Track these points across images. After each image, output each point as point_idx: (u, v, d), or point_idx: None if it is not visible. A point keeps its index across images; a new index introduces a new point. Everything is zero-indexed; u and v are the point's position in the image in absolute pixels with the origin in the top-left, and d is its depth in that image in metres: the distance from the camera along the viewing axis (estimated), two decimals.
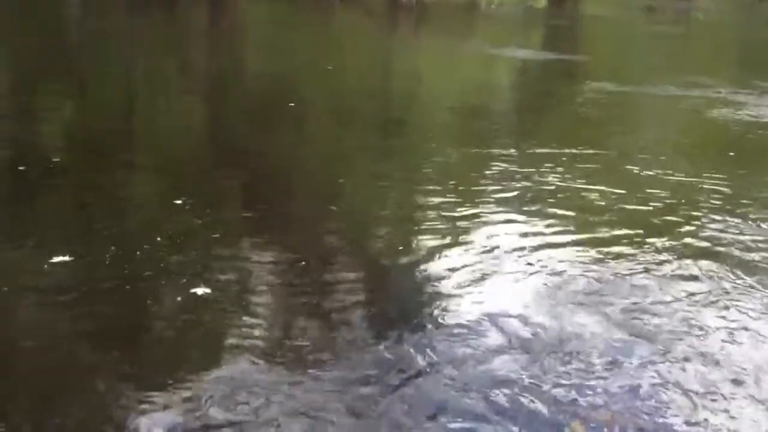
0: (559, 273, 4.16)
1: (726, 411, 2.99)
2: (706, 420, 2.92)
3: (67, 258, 3.86)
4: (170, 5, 20.10)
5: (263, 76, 10.76)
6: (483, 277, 4.08)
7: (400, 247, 4.55)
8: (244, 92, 9.81)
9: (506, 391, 3.03)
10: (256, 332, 3.37)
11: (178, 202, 4.83)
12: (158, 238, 4.22)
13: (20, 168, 5.34)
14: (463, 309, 3.72)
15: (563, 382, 3.12)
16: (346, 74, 11.39)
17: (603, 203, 5.45)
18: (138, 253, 4.02)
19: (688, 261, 4.40)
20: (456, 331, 3.50)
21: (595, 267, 4.28)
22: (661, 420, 2.92)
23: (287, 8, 21.76)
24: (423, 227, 4.84)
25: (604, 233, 4.88)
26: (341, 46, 15.42)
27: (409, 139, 7.50)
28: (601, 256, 4.44)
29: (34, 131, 6.80)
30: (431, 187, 5.65)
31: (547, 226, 4.91)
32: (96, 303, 3.51)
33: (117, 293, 3.61)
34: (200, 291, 3.65)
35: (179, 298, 3.60)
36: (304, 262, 4.14)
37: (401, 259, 4.35)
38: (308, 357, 3.18)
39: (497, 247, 4.51)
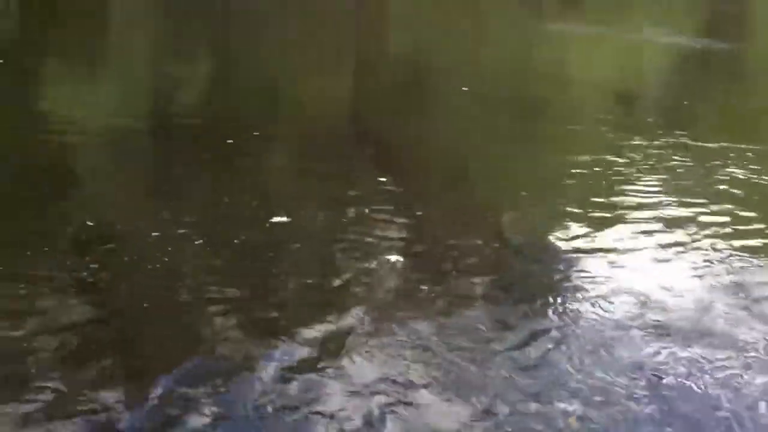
0: (721, 264, 4.37)
1: None
2: None
3: (285, 219, 4.54)
4: None
5: (410, 57, 11.27)
6: (632, 260, 4.34)
7: (546, 225, 4.88)
8: (392, 72, 10.29)
9: (631, 375, 3.15)
10: (402, 289, 3.83)
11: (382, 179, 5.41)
12: (359, 209, 4.81)
13: (228, 141, 6.06)
14: (604, 289, 3.94)
15: (696, 368, 3.24)
16: (495, 58, 11.73)
17: None
18: (344, 220, 4.65)
19: None
20: (591, 309, 3.71)
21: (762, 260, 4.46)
22: None
23: None
24: (571, 208, 5.14)
25: None
26: (488, 28, 15.73)
27: (561, 124, 7.72)
28: None
29: (214, 105, 7.67)
30: (584, 172, 5.95)
31: (717, 216, 5.13)
32: (303, 258, 4.11)
33: (324, 252, 4.22)
34: (393, 258, 4.17)
35: (374, 263, 4.14)
36: (437, 236, 4.53)
37: (546, 235, 4.67)
38: (438, 318, 3.52)
39: (651, 232, 4.78)
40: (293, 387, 2.94)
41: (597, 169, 6.08)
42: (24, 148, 5.67)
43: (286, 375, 3.00)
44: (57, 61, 9.03)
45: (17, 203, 4.55)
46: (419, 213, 4.88)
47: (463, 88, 8.67)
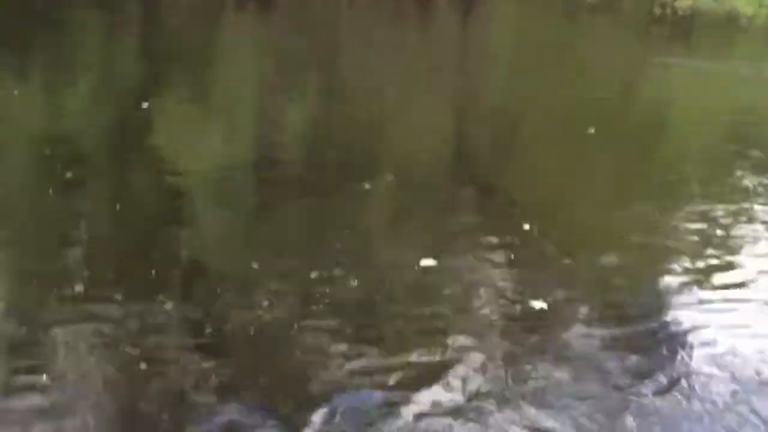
0: None
1: None
2: None
3: (433, 263, 4.91)
4: (425, 15, 21.58)
5: (524, 97, 11.51)
6: (747, 315, 4.49)
7: (672, 275, 5.07)
8: (508, 113, 10.59)
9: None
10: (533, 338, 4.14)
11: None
12: (499, 253, 5.19)
13: (366, 187, 6.36)
14: (732, 343, 4.08)
15: None
16: (612, 96, 11.88)
17: None
18: (488, 266, 5.02)
19: None
20: (719, 362, 3.86)
21: None
22: None
23: (534, 16, 22.39)
24: (682, 257, 5.35)
25: None
26: (598, 65, 15.83)
27: (688, 166, 7.90)
28: None
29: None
30: (714, 216, 6.13)
31: None
32: (451, 302, 4.52)
33: (464, 294, 4.61)
34: (538, 305, 4.49)
35: (518, 308, 4.48)
36: (564, 284, 4.79)
37: (671, 286, 4.89)
38: (564, 368, 3.79)
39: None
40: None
41: (727, 212, 6.28)
42: (152, 189, 6.10)
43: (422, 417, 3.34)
44: (193, 103, 9.67)
45: (132, 246, 4.92)
46: (552, 261, 5.21)
47: (590, 130, 8.83)
